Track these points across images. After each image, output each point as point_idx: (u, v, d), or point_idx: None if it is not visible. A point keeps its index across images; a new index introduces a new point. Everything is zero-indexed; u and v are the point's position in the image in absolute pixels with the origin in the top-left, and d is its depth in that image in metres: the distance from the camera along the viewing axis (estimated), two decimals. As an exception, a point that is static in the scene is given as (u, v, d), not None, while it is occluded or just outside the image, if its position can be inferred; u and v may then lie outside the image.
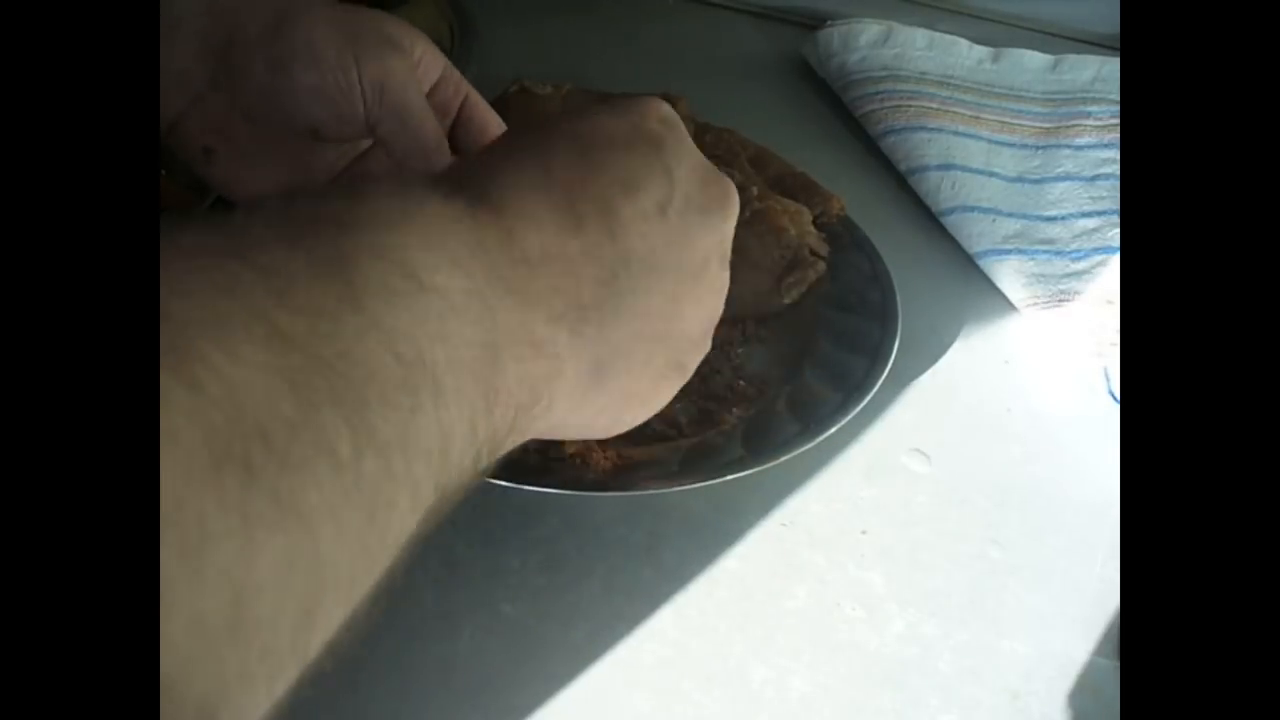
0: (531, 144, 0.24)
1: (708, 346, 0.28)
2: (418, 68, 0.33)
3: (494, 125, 0.36)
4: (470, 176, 0.23)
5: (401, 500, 0.17)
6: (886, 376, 0.36)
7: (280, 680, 0.16)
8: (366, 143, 0.35)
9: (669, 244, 0.25)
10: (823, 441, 0.34)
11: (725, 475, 0.32)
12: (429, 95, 0.34)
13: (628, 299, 0.24)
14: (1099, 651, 0.32)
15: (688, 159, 0.26)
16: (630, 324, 0.24)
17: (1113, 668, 0.32)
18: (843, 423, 0.34)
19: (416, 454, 0.18)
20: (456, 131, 0.35)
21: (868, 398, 0.35)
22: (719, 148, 0.45)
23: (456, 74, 0.35)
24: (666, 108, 0.27)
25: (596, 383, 0.24)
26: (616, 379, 0.25)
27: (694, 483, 0.32)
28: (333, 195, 0.20)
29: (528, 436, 0.23)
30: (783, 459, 0.33)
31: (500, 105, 0.44)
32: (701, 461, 0.34)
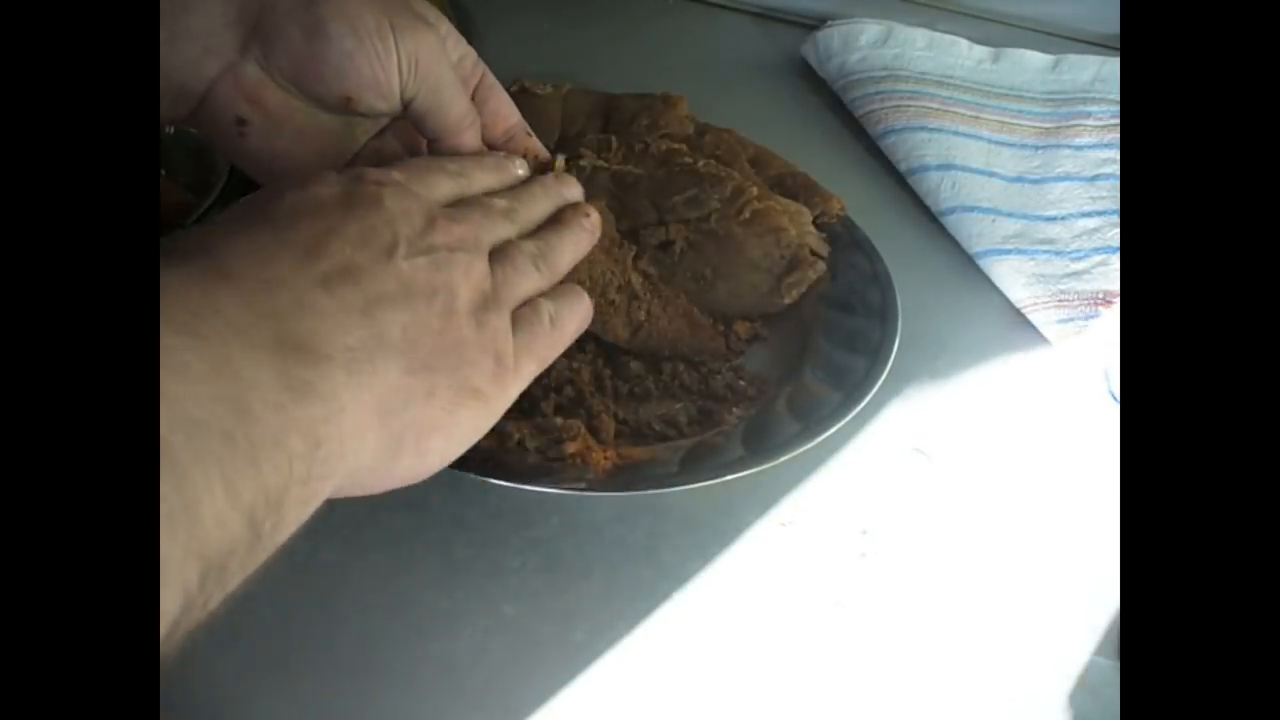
0: (259, 213, 0.25)
1: (507, 366, 0.28)
2: (445, 44, 0.33)
3: (507, 110, 0.36)
4: (197, 246, 0.23)
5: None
6: (887, 376, 0.36)
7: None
8: (387, 119, 0.35)
9: (408, 282, 0.26)
10: (823, 441, 0.34)
11: (725, 475, 0.32)
12: None
13: (389, 334, 0.25)
14: (1099, 651, 0.32)
15: (406, 207, 0.27)
16: (399, 358, 0.25)
17: (1113, 668, 0.32)
18: (843, 423, 0.34)
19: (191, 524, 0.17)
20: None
21: (868, 398, 0.35)
22: (719, 148, 0.45)
23: (474, 55, 0.35)
24: (373, 171, 0.28)
25: (383, 421, 0.24)
26: (404, 412, 0.25)
27: (694, 483, 0.32)
28: None
29: (322, 492, 0.23)
30: (783, 459, 0.33)
31: None
32: (701, 461, 0.34)
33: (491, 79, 0.36)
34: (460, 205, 0.30)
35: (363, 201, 0.26)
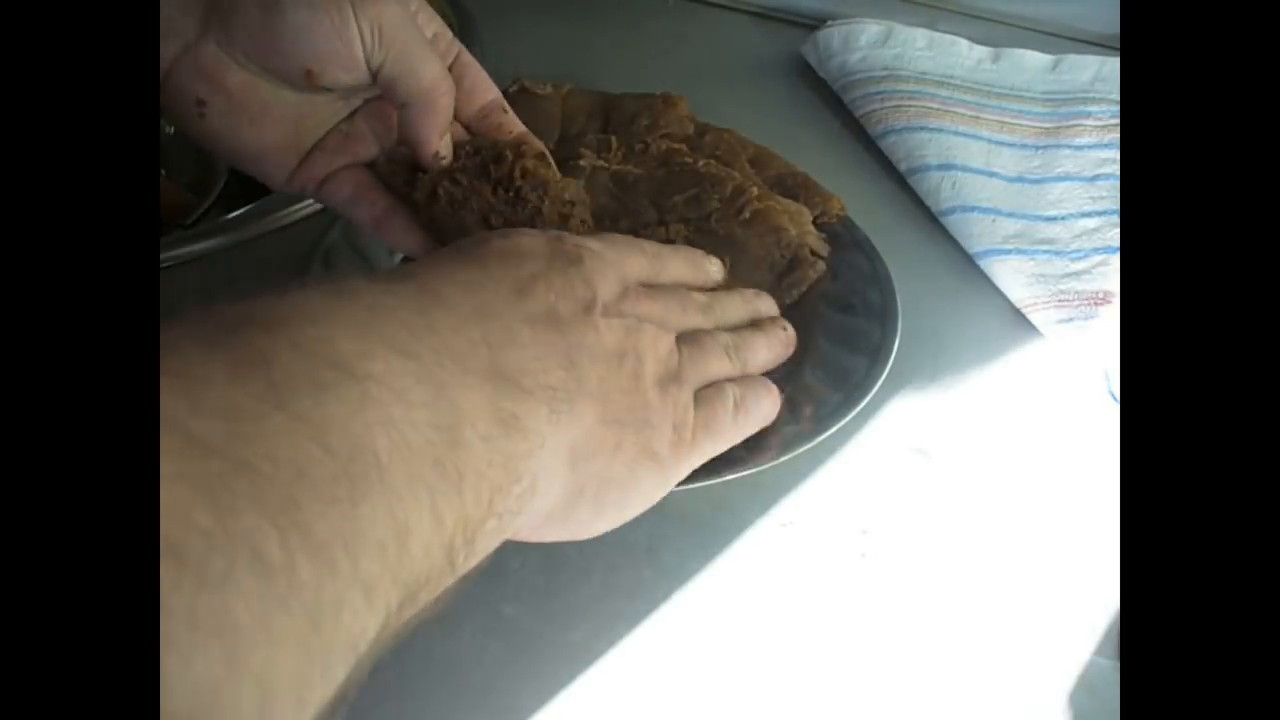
0: (468, 253, 0.25)
1: (686, 439, 0.29)
2: (415, 16, 0.33)
3: (484, 86, 0.36)
4: (411, 273, 0.23)
5: (351, 600, 0.16)
6: (887, 377, 0.36)
7: None
8: (358, 101, 0.35)
9: (604, 339, 0.26)
10: (823, 441, 0.34)
11: (725, 475, 0.32)
12: None
13: (588, 383, 0.25)
14: (1099, 651, 0.32)
15: (603, 273, 0.28)
16: (595, 407, 0.25)
17: (1113, 668, 0.32)
18: (843, 422, 0.34)
19: (363, 549, 0.17)
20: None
21: (868, 397, 0.35)
22: (719, 148, 0.45)
23: (449, 34, 0.35)
24: (574, 236, 0.29)
25: (572, 466, 0.25)
26: (590, 462, 0.25)
27: (694, 483, 0.32)
28: (257, 297, 0.19)
29: (509, 528, 0.23)
30: (783, 459, 0.33)
31: None
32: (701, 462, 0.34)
33: (468, 57, 0.35)
34: (657, 288, 0.31)
35: (565, 256, 0.27)
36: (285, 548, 0.15)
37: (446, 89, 0.33)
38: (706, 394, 0.30)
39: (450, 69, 0.35)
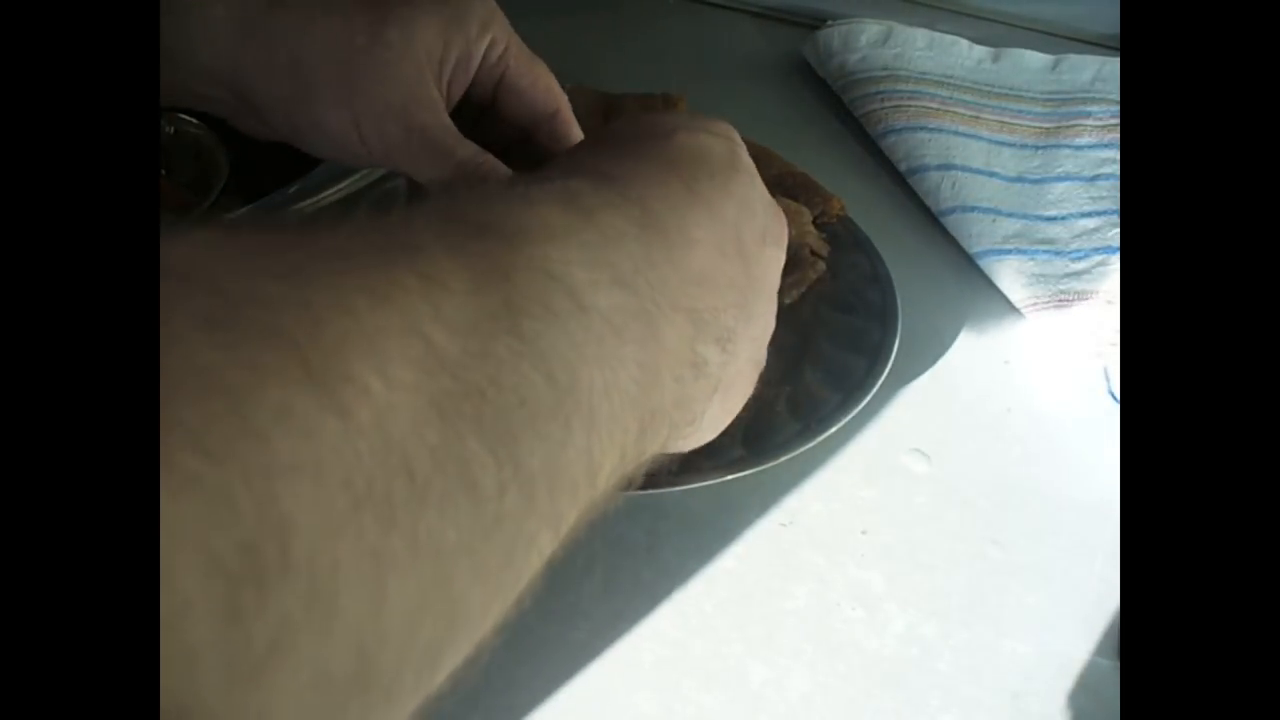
0: (662, 154, 0.24)
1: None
2: (447, 67, 0.32)
3: (536, 85, 0.34)
4: (622, 183, 0.22)
5: (542, 536, 0.17)
6: (887, 376, 0.36)
7: (399, 717, 0.15)
8: None
9: (768, 273, 0.26)
10: (823, 441, 0.34)
11: (725, 475, 0.32)
12: (478, 70, 0.33)
13: (754, 325, 0.25)
14: (1099, 651, 0.32)
15: (762, 190, 0.27)
16: (748, 348, 0.25)
17: (1113, 668, 0.32)
18: (843, 422, 0.34)
19: (562, 488, 0.17)
20: (499, 100, 0.34)
21: (868, 398, 0.35)
22: (719, 148, 0.45)
23: (501, 39, 0.34)
24: (737, 138, 0.27)
25: (723, 399, 0.25)
26: (730, 391, 0.26)
27: (694, 483, 0.32)
28: (496, 199, 0.19)
29: (668, 454, 0.23)
30: (783, 459, 0.33)
31: None
32: (701, 461, 0.34)
33: (516, 64, 0.34)
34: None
35: (744, 171, 0.26)
36: (498, 479, 0.15)
37: (456, 174, 0.32)
38: None
39: (502, 80, 0.34)
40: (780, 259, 0.27)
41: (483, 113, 0.34)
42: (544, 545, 0.17)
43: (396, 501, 0.13)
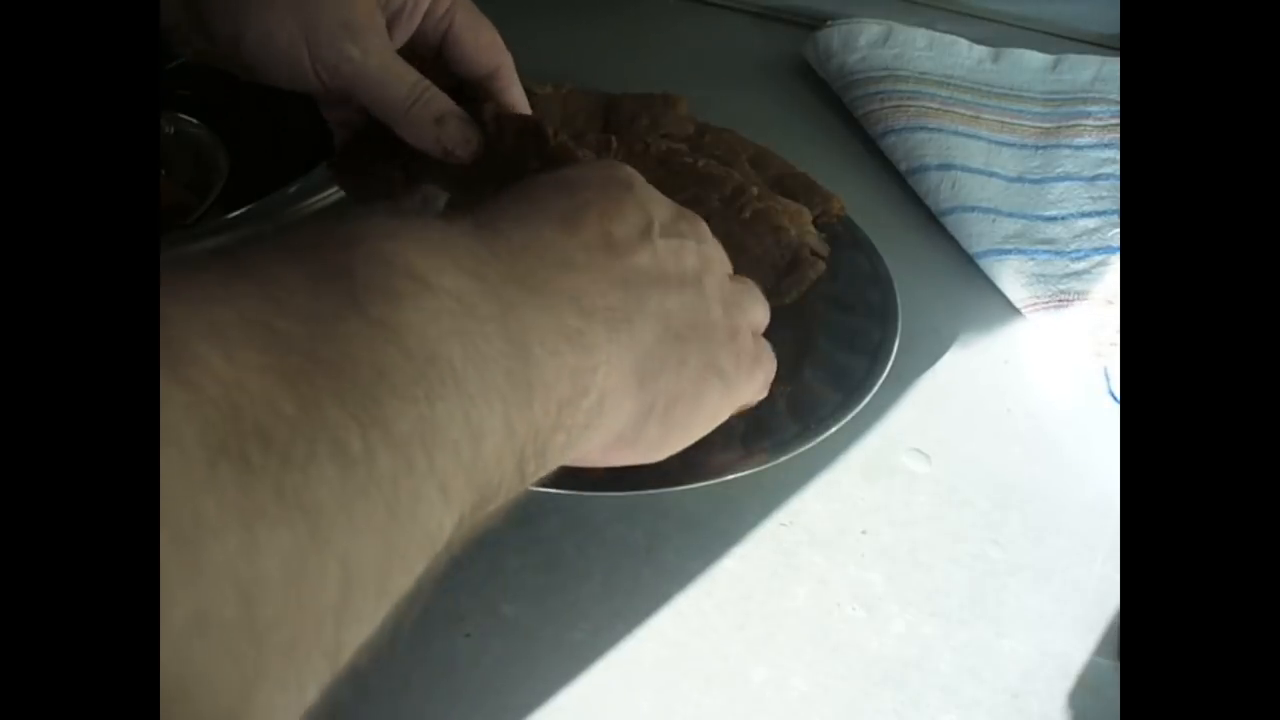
0: (520, 192, 0.26)
1: (750, 353, 0.29)
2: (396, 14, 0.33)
3: (479, 41, 0.36)
4: (467, 214, 0.24)
5: (428, 495, 0.17)
6: (888, 377, 0.36)
7: (311, 680, 0.15)
8: None
9: (661, 260, 0.26)
10: (823, 441, 0.34)
11: (725, 475, 0.32)
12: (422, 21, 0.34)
13: (647, 303, 0.25)
14: (1099, 651, 0.32)
15: (656, 197, 0.28)
16: (655, 325, 0.25)
17: (1113, 668, 0.32)
18: (843, 423, 0.34)
19: (439, 447, 0.17)
20: (444, 53, 0.36)
21: (867, 398, 0.35)
22: (719, 148, 0.45)
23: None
24: (628, 168, 0.29)
25: (640, 384, 0.25)
26: (655, 380, 0.26)
27: (694, 483, 0.32)
28: (332, 220, 0.20)
29: (580, 440, 0.23)
30: (782, 459, 0.33)
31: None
32: (702, 461, 0.34)
33: (461, 17, 0.35)
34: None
35: (617, 183, 0.27)
36: (365, 440, 0.16)
37: (415, 102, 0.33)
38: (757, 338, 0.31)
39: (449, 31, 0.35)
40: (686, 247, 0.28)
41: (425, 64, 0.35)
42: (434, 505, 0.17)
43: (254, 462, 0.14)
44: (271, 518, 0.14)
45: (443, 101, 0.33)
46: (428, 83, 0.33)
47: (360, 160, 0.36)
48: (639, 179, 0.28)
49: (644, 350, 0.25)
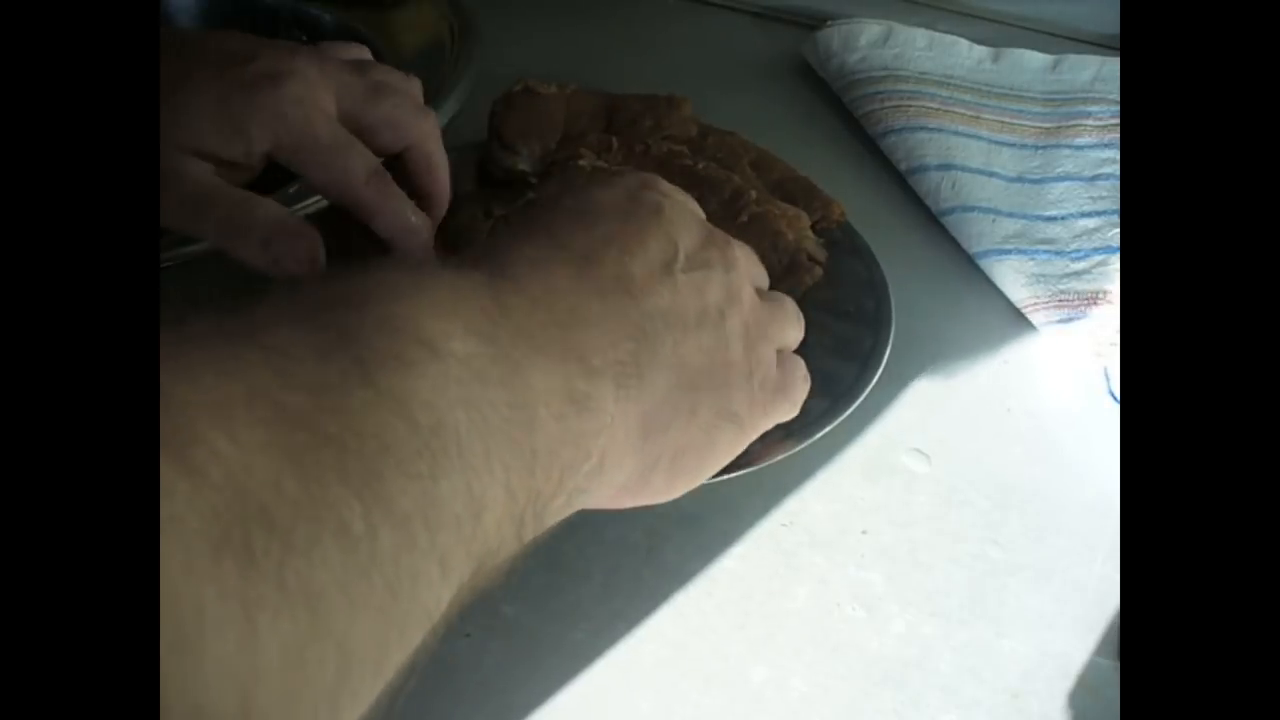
0: (538, 221, 0.25)
1: (770, 387, 0.29)
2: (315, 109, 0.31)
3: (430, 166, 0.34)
4: (482, 256, 0.23)
5: (428, 572, 0.17)
6: (887, 377, 0.36)
7: None
8: None
9: (682, 299, 0.25)
10: (823, 442, 0.34)
11: (725, 475, 0.32)
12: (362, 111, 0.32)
13: (660, 352, 0.24)
14: (1099, 651, 0.32)
15: (686, 220, 0.27)
16: (667, 375, 0.25)
17: (1113, 668, 0.32)
18: (828, 429, 0.34)
19: (441, 523, 0.17)
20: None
21: (855, 404, 0.35)
22: (720, 150, 0.45)
23: (362, 83, 0.33)
24: (660, 181, 0.28)
25: (645, 437, 0.24)
26: (664, 432, 0.25)
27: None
28: (341, 275, 0.20)
29: (579, 501, 0.23)
30: (780, 458, 0.33)
31: (505, 104, 0.44)
32: None
33: (386, 105, 0.33)
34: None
35: (642, 208, 0.26)
36: (368, 520, 0.15)
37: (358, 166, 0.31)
38: (784, 357, 0.30)
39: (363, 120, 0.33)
40: (711, 279, 0.27)
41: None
42: (432, 581, 0.17)
43: (256, 548, 0.14)
44: (273, 607, 0.14)
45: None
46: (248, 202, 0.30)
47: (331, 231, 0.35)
48: (670, 201, 0.27)
49: (653, 403, 0.24)
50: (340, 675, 0.15)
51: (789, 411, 0.31)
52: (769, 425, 0.30)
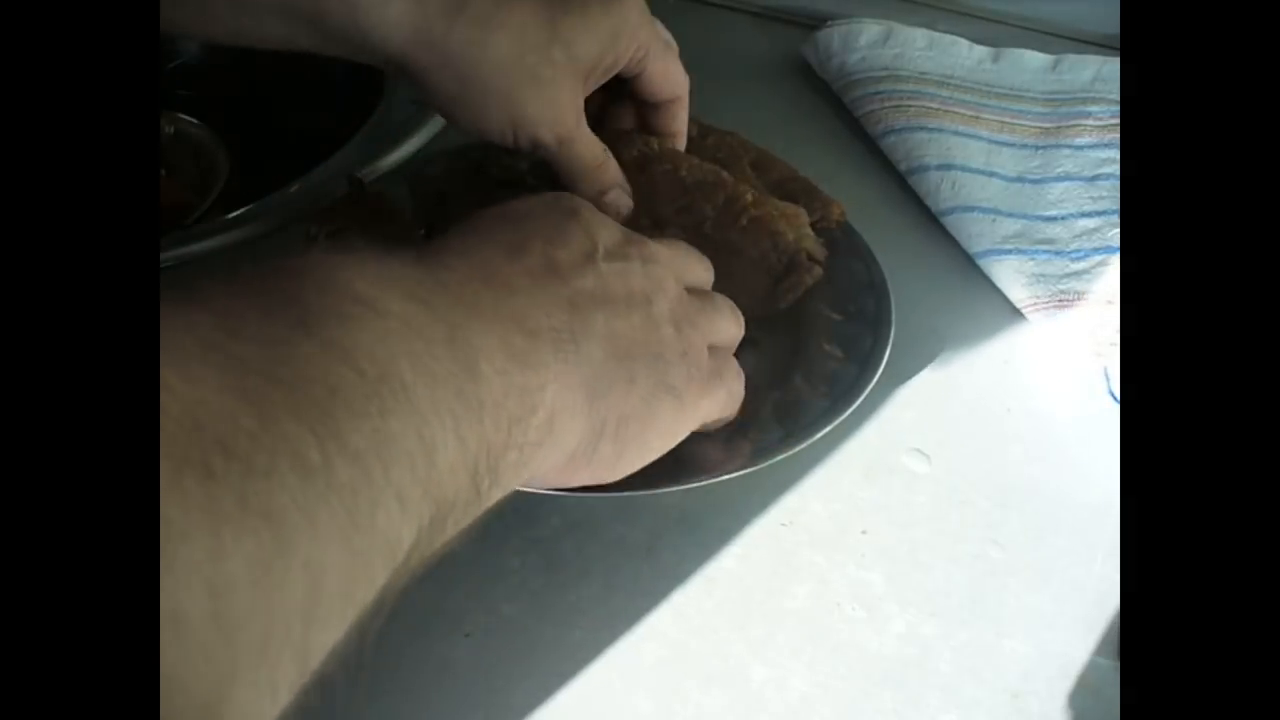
0: (464, 226, 0.27)
1: (706, 369, 0.29)
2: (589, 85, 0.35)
3: (665, 74, 0.38)
4: (418, 250, 0.24)
5: (386, 504, 0.18)
6: (887, 377, 0.36)
7: (282, 682, 0.16)
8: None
9: (607, 283, 0.27)
10: (823, 442, 0.34)
11: (724, 475, 0.32)
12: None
13: (593, 325, 0.26)
14: (1099, 651, 0.32)
15: (603, 223, 0.29)
16: (602, 345, 0.26)
17: (1113, 668, 0.32)
18: (828, 429, 0.34)
19: (394, 459, 0.18)
20: (632, 86, 0.38)
21: (855, 404, 0.35)
22: (721, 150, 0.44)
23: (645, 43, 0.36)
24: (576, 198, 0.30)
25: (590, 403, 0.25)
26: (605, 398, 0.26)
27: (694, 482, 0.32)
28: (283, 259, 0.21)
29: (531, 461, 0.24)
30: (779, 458, 0.33)
31: None
32: (700, 462, 0.34)
33: (655, 60, 0.37)
34: (664, 241, 0.32)
35: (560, 211, 0.28)
36: (323, 452, 0.16)
37: (597, 171, 0.36)
38: (717, 353, 0.31)
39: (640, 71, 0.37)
40: (630, 270, 0.28)
41: (613, 92, 0.38)
42: (393, 514, 0.18)
43: (217, 470, 0.14)
44: (236, 523, 0.14)
45: (610, 176, 0.36)
46: (603, 158, 0.36)
47: (335, 222, 0.38)
48: (586, 206, 0.29)
49: (592, 369, 0.25)
50: (309, 595, 0.16)
51: (728, 402, 0.31)
52: (711, 411, 0.30)
